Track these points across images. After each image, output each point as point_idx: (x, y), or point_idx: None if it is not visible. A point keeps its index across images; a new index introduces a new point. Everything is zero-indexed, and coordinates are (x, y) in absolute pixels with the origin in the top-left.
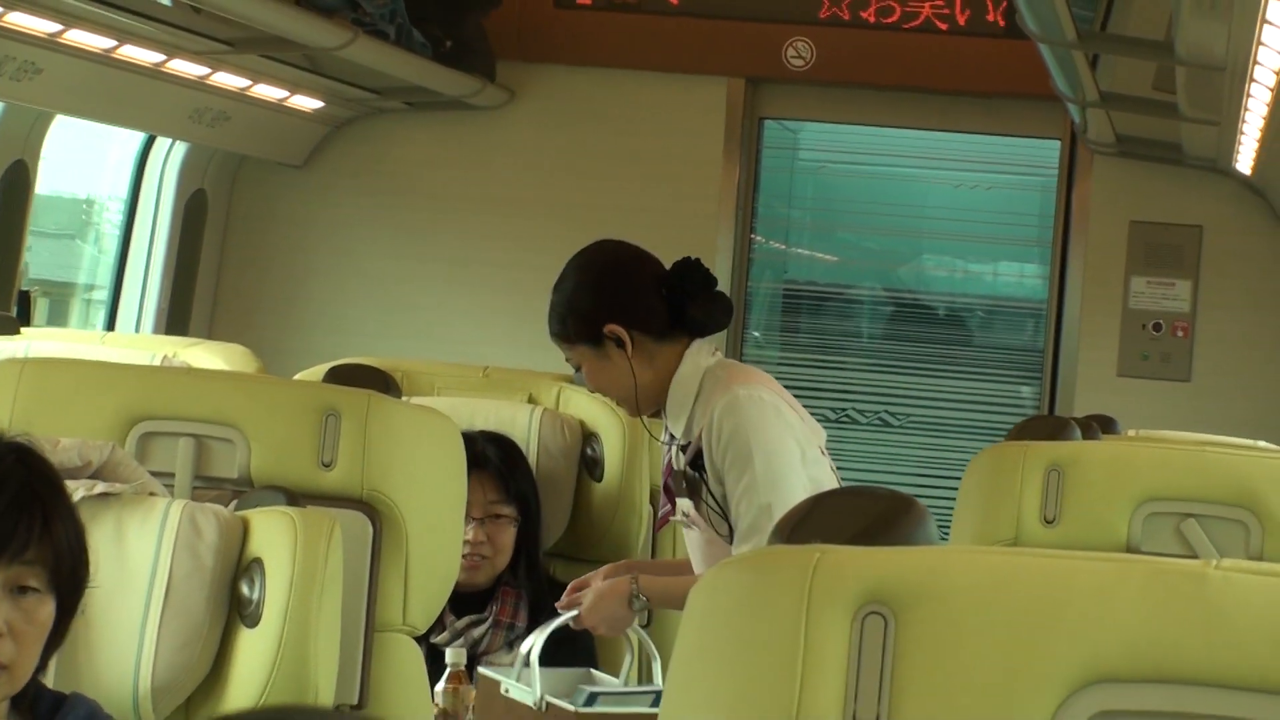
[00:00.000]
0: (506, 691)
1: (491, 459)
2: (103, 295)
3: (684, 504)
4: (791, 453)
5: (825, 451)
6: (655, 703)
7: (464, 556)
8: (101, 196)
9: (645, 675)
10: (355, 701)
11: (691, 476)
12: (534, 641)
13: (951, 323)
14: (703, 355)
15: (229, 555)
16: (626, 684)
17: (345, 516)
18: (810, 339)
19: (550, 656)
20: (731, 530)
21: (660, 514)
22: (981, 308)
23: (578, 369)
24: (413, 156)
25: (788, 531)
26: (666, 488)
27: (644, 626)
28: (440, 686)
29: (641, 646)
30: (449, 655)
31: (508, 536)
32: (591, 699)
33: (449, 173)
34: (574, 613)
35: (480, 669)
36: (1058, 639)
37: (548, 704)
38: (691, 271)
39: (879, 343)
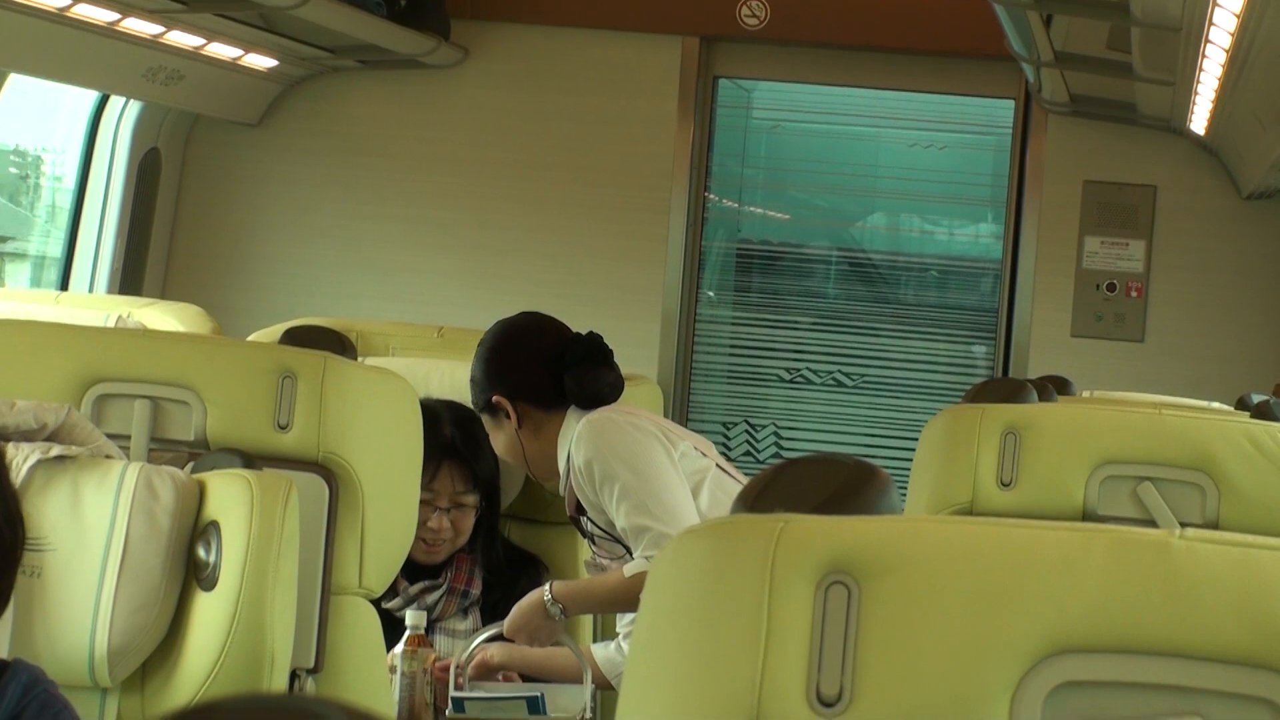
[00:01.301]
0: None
1: (459, 447)
2: (13, 248)
3: (588, 554)
4: (651, 451)
5: (709, 453)
6: (533, 708)
7: (426, 543)
8: (29, 148)
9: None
10: (311, 664)
11: (583, 525)
12: (464, 663)
13: (905, 282)
14: (570, 428)
15: (185, 518)
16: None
17: (301, 479)
18: (764, 298)
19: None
20: (629, 552)
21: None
22: (935, 267)
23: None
24: (367, 115)
25: (751, 500)
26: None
27: None
28: (399, 649)
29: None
30: (409, 618)
31: (469, 521)
32: (458, 705)
33: (404, 132)
34: (493, 630)
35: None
36: (1022, 609)
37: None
38: (577, 345)
39: (833, 302)
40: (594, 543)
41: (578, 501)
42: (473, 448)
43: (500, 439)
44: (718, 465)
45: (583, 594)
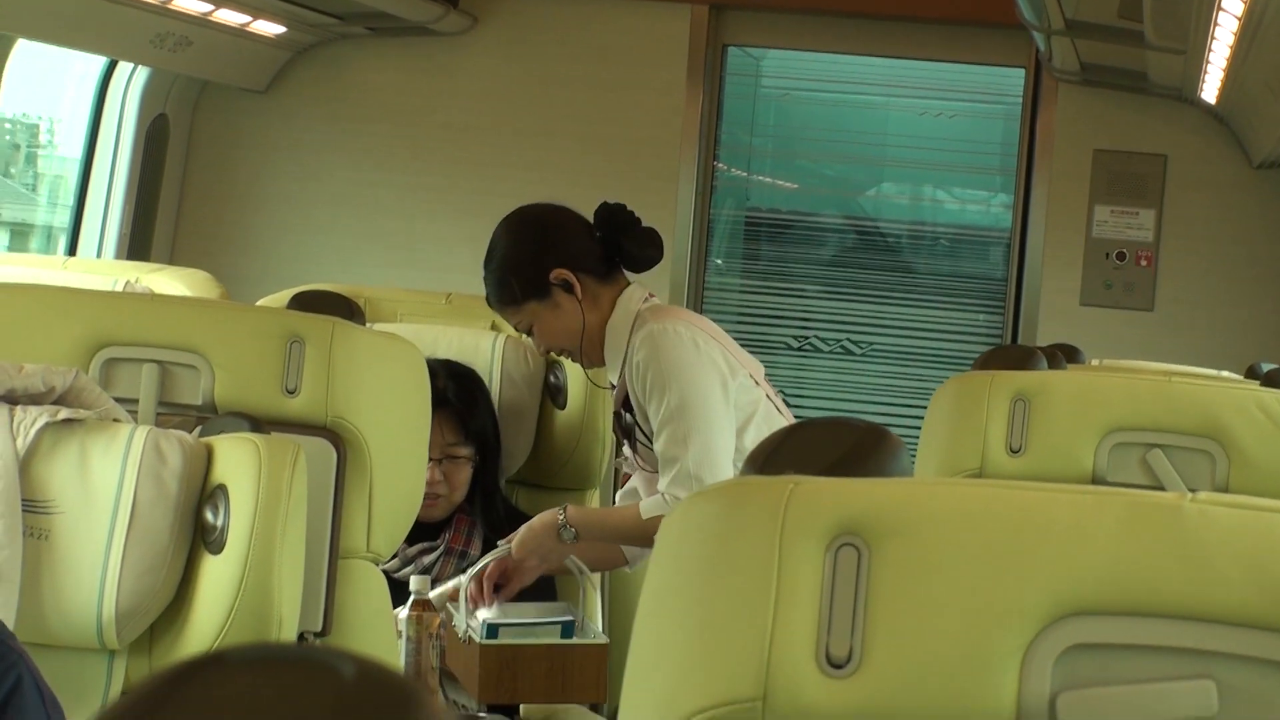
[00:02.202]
0: (454, 624)
1: (450, 399)
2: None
3: (625, 448)
4: (709, 382)
5: (763, 381)
6: (565, 633)
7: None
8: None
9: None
10: (319, 628)
11: (625, 419)
12: (463, 579)
13: (914, 251)
14: (634, 300)
15: (193, 482)
16: (585, 618)
17: (309, 443)
18: (772, 266)
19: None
20: None
21: (623, 473)
22: (944, 236)
23: (528, 332)
24: (375, 83)
25: (761, 461)
26: (617, 437)
27: None
28: (404, 614)
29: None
30: (413, 583)
31: (464, 475)
32: (492, 630)
33: (412, 99)
34: (505, 548)
35: (450, 606)
36: (1033, 572)
37: (469, 636)
38: (617, 211)
39: (841, 271)
40: (633, 447)
41: (625, 396)
42: (466, 400)
43: (557, 322)
44: (767, 396)
45: (598, 522)
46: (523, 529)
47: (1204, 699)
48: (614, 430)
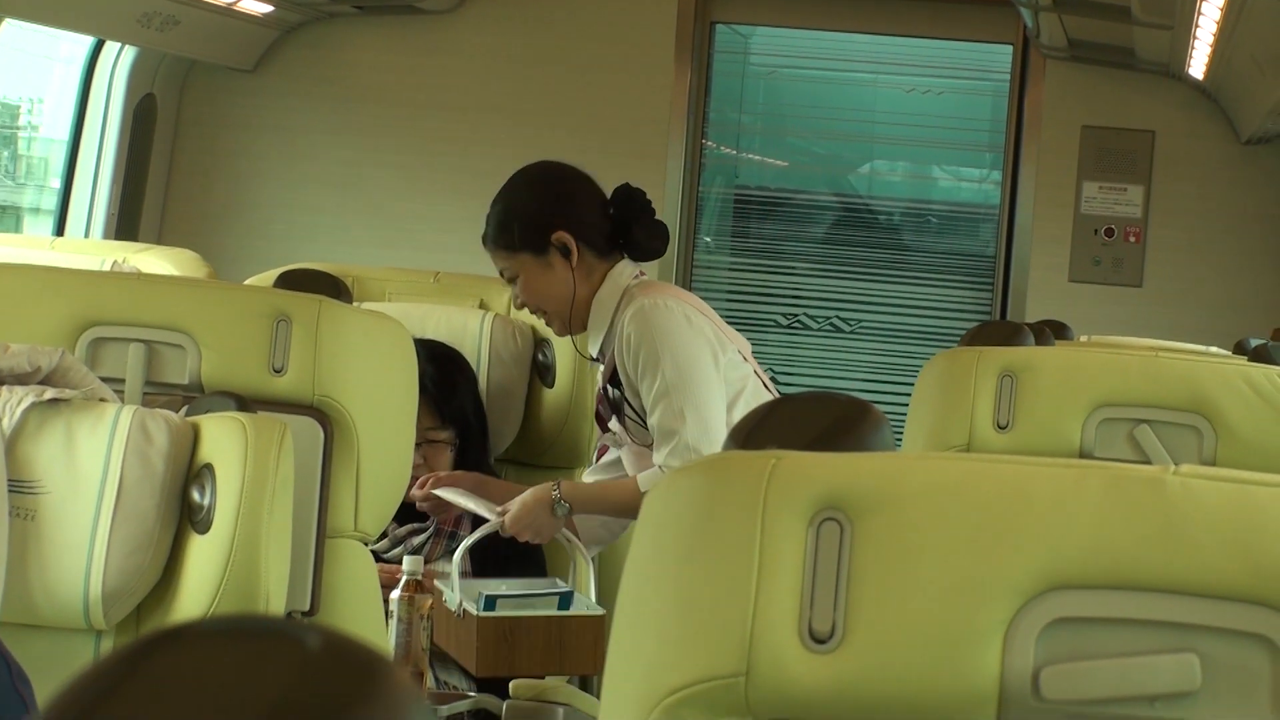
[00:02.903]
0: (445, 601)
1: (428, 384)
2: None
3: (612, 423)
4: (701, 356)
5: (750, 358)
6: (563, 604)
7: None
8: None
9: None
10: (307, 608)
11: (612, 394)
12: (458, 553)
13: (903, 228)
14: (624, 276)
15: (179, 461)
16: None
17: (296, 422)
18: (761, 244)
19: (502, 569)
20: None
21: (600, 443)
22: (933, 213)
23: (512, 280)
24: (363, 61)
25: (743, 437)
26: (598, 413)
27: None
28: (396, 595)
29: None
30: (406, 564)
31: (445, 459)
32: (490, 603)
33: (399, 77)
34: (497, 521)
35: (437, 582)
36: (1015, 546)
37: (463, 610)
38: (637, 195)
39: (830, 248)
40: (621, 422)
41: (614, 372)
42: (445, 387)
43: (545, 281)
44: (755, 372)
45: (592, 497)
46: (515, 504)
47: (1187, 672)
48: (598, 406)
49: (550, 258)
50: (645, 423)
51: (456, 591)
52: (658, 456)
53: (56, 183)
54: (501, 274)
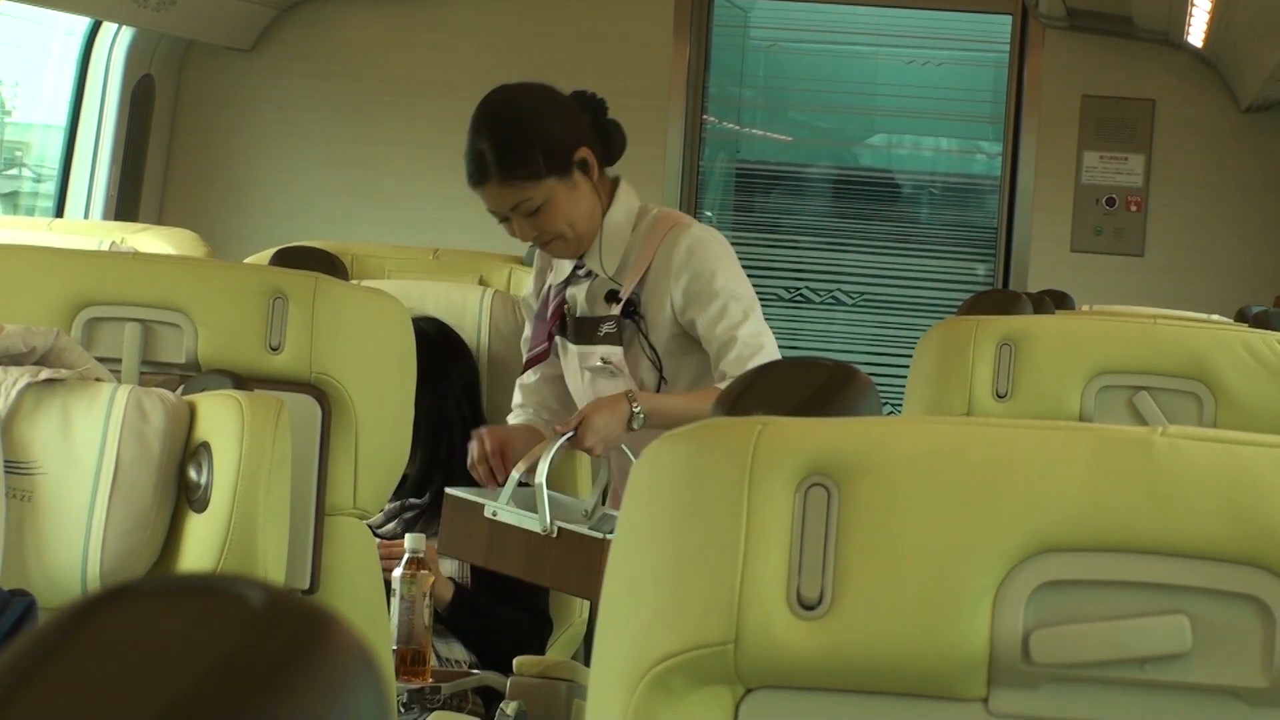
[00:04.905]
0: (494, 515)
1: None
2: None
3: (605, 350)
4: (746, 279)
5: None
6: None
7: None
8: None
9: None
10: (306, 585)
11: (624, 322)
12: (541, 466)
13: (904, 200)
14: (633, 195)
15: (176, 440)
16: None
17: (293, 400)
18: (763, 218)
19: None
20: (662, 379)
21: (533, 353)
22: (934, 185)
23: (530, 214)
24: (361, 39)
25: (730, 402)
26: (549, 332)
27: None
28: (398, 572)
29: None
30: (408, 541)
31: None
32: (608, 522)
33: (398, 55)
34: (569, 434)
35: (449, 490)
36: (1003, 509)
37: (559, 529)
38: (593, 96)
39: (832, 221)
40: (615, 341)
41: (626, 297)
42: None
43: (572, 204)
44: None
45: (671, 409)
46: (593, 416)
47: (1177, 634)
48: (550, 329)
49: (575, 178)
50: (658, 359)
51: (547, 509)
52: (722, 366)
53: (14, 170)
54: (517, 209)
